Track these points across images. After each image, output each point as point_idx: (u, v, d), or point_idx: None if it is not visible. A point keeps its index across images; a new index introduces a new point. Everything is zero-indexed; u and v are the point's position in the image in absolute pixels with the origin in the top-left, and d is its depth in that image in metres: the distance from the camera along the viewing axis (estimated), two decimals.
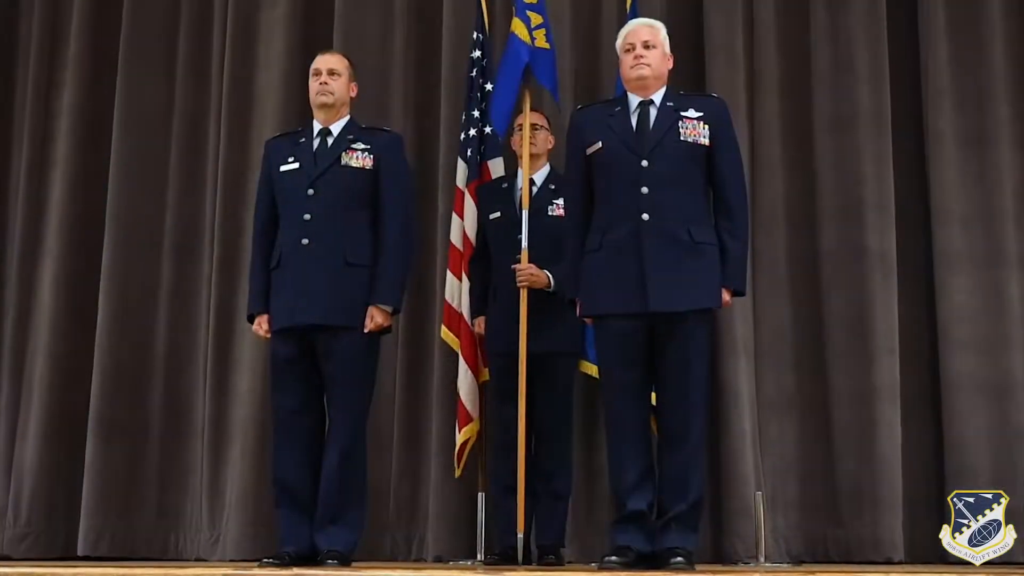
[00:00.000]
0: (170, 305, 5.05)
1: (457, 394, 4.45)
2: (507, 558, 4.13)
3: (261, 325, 3.93)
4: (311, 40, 5.08)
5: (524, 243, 4.15)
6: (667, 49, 3.75)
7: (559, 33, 4.77)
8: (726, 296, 3.60)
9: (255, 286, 3.97)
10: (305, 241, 3.84)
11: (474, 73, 4.63)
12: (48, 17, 5.32)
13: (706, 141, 3.62)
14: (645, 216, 3.53)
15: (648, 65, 3.67)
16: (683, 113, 3.64)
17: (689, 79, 4.91)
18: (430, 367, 4.75)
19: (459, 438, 4.43)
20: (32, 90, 5.24)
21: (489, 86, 4.60)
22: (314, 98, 4.01)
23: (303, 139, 4.00)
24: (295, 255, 3.85)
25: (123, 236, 5.04)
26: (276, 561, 3.76)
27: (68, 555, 4.84)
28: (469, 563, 4.39)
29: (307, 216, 3.86)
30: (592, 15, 4.95)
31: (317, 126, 4.01)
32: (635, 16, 4.57)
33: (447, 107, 4.86)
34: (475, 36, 4.68)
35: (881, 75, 4.78)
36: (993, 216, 4.71)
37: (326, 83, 4.00)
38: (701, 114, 3.64)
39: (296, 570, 3.65)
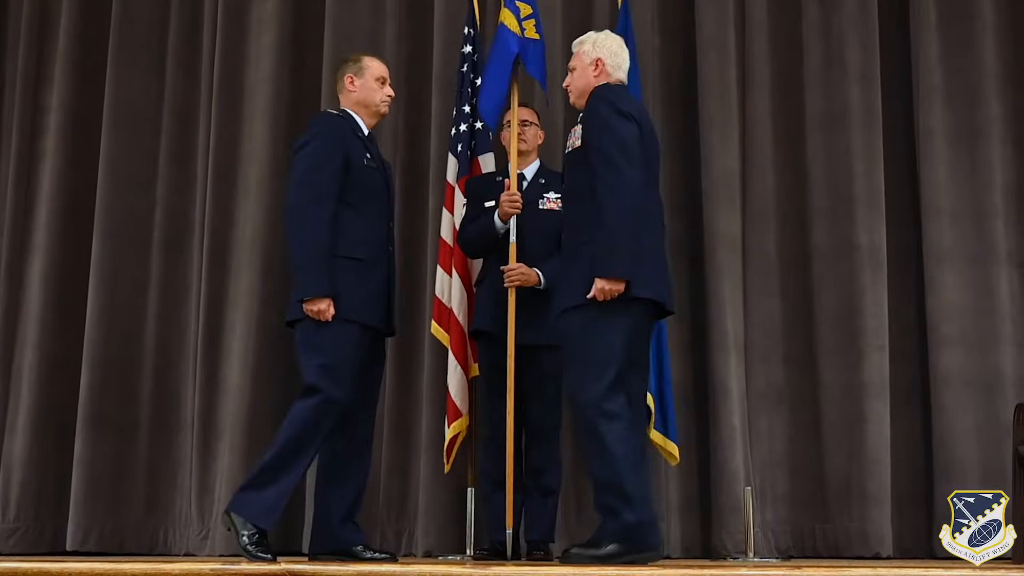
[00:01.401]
0: (160, 300, 5.04)
1: (447, 389, 4.44)
2: (496, 553, 4.14)
3: (331, 307, 3.69)
4: (301, 35, 5.09)
5: (512, 237, 4.15)
6: (592, 57, 3.76)
7: (551, 28, 4.78)
8: (599, 284, 3.49)
9: (326, 266, 3.68)
10: (391, 248, 3.93)
11: (465, 68, 4.62)
12: (37, 12, 5.30)
13: (578, 142, 3.66)
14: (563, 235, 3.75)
15: (571, 93, 3.82)
16: (577, 120, 3.72)
17: (681, 75, 4.94)
18: (420, 362, 4.75)
19: (448, 433, 4.42)
20: (21, 85, 5.21)
21: (479, 81, 4.60)
22: (378, 105, 3.96)
23: (359, 134, 3.92)
24: (384, 258, 3.87)
25: (113, 231, 5.02)
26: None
27: (57, 550, 4.83)
28: (458, 558, 4.38)
29: (391, 224, 3.95)
30: (584, 10, 4.95)
31: (365, 129, 3.96)
32: (626, 12, 4.60)
33: (438, 102, 4.85)
34: (466, 31, 4.68)
35: (872, 72, 4.79)
36: (983, 212, 4.72)
37: (392, 95, 4.03)
38: (582, 114, 3.70)
39: (284, 564, 3.65)
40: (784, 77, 4.89)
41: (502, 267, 4.16)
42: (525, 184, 4.32)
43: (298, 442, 3.66)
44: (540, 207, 4.27)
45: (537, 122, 4.44)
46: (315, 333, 3.72)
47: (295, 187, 3.79)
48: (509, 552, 4.02)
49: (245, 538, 3.60)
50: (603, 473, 3.49)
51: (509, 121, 4.35)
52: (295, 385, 4.50)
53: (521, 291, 4.14)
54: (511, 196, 4.18)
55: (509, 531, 4.03)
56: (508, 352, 4.08)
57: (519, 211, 4.16)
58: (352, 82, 3.97)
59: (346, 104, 3.98)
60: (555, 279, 3.91)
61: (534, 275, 4.15)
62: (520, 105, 4.38)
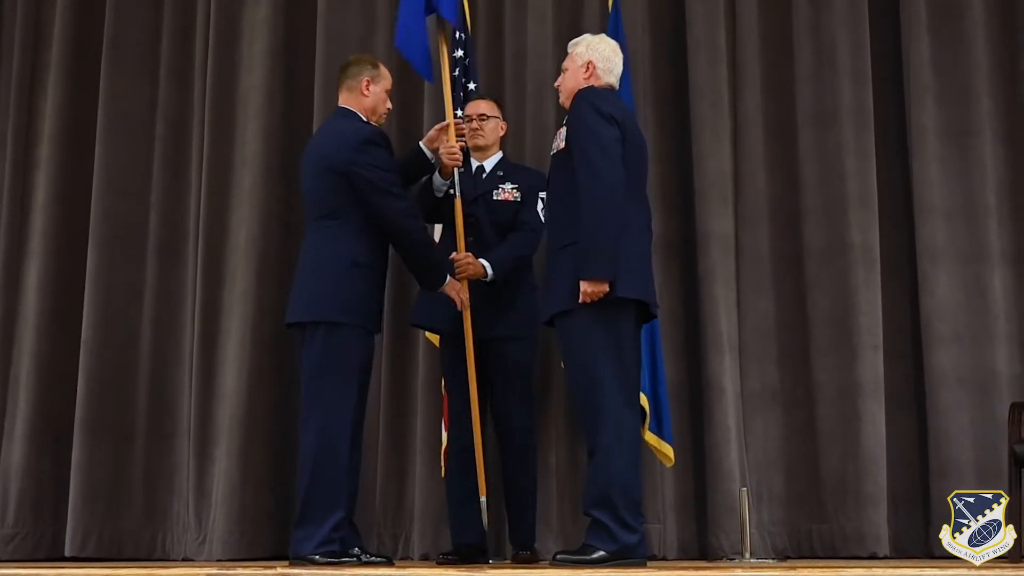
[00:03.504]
0: (155, 306, 5.04)
1: (442, 393, 4.46)
2: (463, 557, 4.12)
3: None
4: (294, 41, 5.10)
5: (456, 192, 4.13)
6: (584, 59, 3.81)
7: (541, 30, 4.82)
8: (583, 286, 3.54)
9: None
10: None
11: (456, 73, 4.63)
12: (31, 18, 5.30)
13: (563, 143, 3.70)
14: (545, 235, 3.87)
15: (561, 93, 3.90)
16: (563, 122, 3.76)
17: (672, 76, 4.94)
18: (414, 366, 4.75)
19: (444, 438, 4.43)
20: (16, 91, 5.22)
21: (472, 85, 4.62)
22: (382, 115, 4.05)
23: None
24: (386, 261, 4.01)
25: (108, 237, 5.03)
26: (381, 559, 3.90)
27: (55, 556, 4.84)
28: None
29: None
30: (574, 11, 4.94)
31: None
32: (617, 13, 4.61)
33: (429, 107, 4.85)
34: (457, 36, 4.67)
35: (863, 70, 4.78)
36: (976, 211, 4.71)
37: (391, 108, 4.10)
38: (567, 116, 3.74)
39: (280, 568, 3.68)
40: (775, 77, 4.88)
41: (451, 256, 4.10)
42: (484, 175, 4.31)
43: (321, 479, 3.73)
44: (495, 197, 4.25)
45: (498, 115, 4.41)
46: (337, 341, 3.76)
47: (395, 208, 3.83)
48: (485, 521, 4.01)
49: (318, 557, 3.67)
50: (600, 482, 3.55)
51: (470, 116, 4.34)
52: (291, 390, 4.55)
53: (480, 283, 4.11)
54: (449, 147, 4.10)
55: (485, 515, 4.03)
56: (467, 348, 4.04)
57: (459, 163, 4.13)
58: (368, 86, 3.99)
59: (354, 104, 3.99)
60: (501, 272, 4.03)
61: (479, 266, 4.10)
62: (479, 99, 4.41)
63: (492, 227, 4.18)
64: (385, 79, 4.03)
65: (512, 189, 4.23)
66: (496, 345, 4.14)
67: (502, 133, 4.43)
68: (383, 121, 4.08)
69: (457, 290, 4.00)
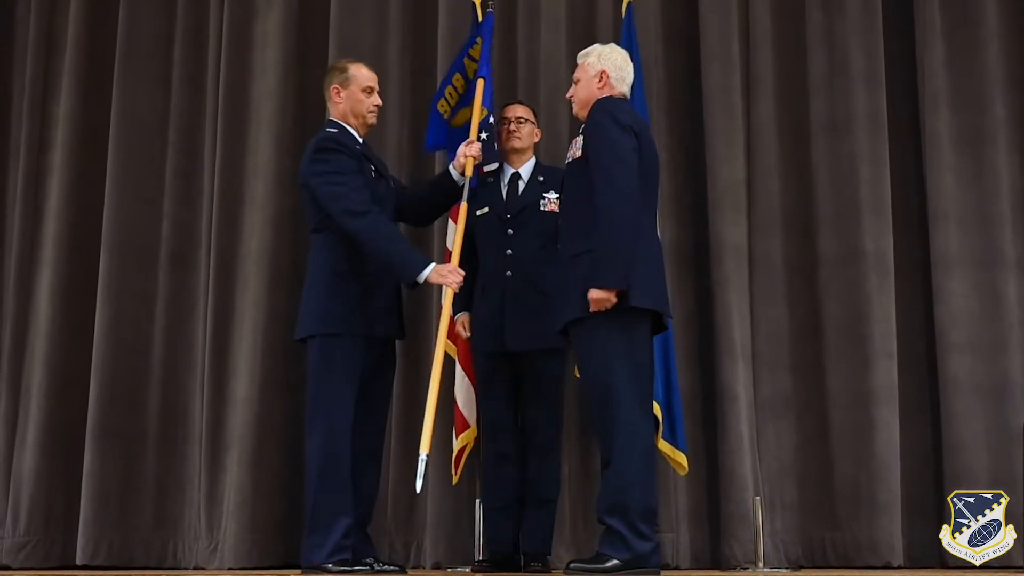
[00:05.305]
0: (167, 314, 5.03)
1: (454, 401, 4.45)
2: (496, 565, 4.11)
3: (455, 272, 3.89)
4: (306, 48, 5.09)
5: (465, 195, 4.08)
6: (597, 69, 3.81)
7: (555, 38, 4.83)
8: (592, 294, 3.53)
9: (411, 255, 3.90)
10: None
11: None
12: (44, 26, 5.30)
13: (579, 152, 3.70)
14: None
15: (575, 104, 3.90)
16: (579, 131, 3.77)
17: (685, 84, 4.94)
18: (427, 373, 4.70)
19: (456, 445, 4.43)
20: (29, 99, 5.23)
21: None
22: (366, 114, 3.97)
23: (356, 146, 3.93)
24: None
25: (120, 245, 5.02)
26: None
27: (66, 564, 4.83)
28: (467, 570, 4.37)
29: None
30: (587, 19, 4.94)
31: (359, 139, 3.97)
32: (630, 21, 4.61)
33: None
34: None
35: (877, 78, 4.79)
36: (990, 218, 4.72)
37: (379, 104, 4.03)
38: (584, 125, 3.74)
39: None
40: (788, 84, 4.88)
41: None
42: (522, 184, 4.28)
43: (327, 487, 3.74)
44: (542, 208, 4.22)
45: (533, 120, 4.41)
46: (331, 350, 3.78)
47: (339, 209, 3.76)
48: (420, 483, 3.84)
49: (331, 566, 3.67)
50: (615, 491, 3.54)
51: (506, 119, 4.34)
52: (302, 397, 4.52)
53: (516, 295, 4.11)
54: (470, 144, 4.08)
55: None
56: (438, 344, 3.96)
57: (478, 157, 4.10)
58: (338, 93, 3.96)
59: (335, 115, 3.97)
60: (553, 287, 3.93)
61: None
62: (516, 103, 4.42)
63: (539, 237, 4.12)
64: (357, 78, 3.96)
65: (557, 199, 4.14)
66: (531, 358, 4.12)
67: (537, 139, 4.42)
68: (371, 120, 4.02)
69: (444, 274, 3.80)
